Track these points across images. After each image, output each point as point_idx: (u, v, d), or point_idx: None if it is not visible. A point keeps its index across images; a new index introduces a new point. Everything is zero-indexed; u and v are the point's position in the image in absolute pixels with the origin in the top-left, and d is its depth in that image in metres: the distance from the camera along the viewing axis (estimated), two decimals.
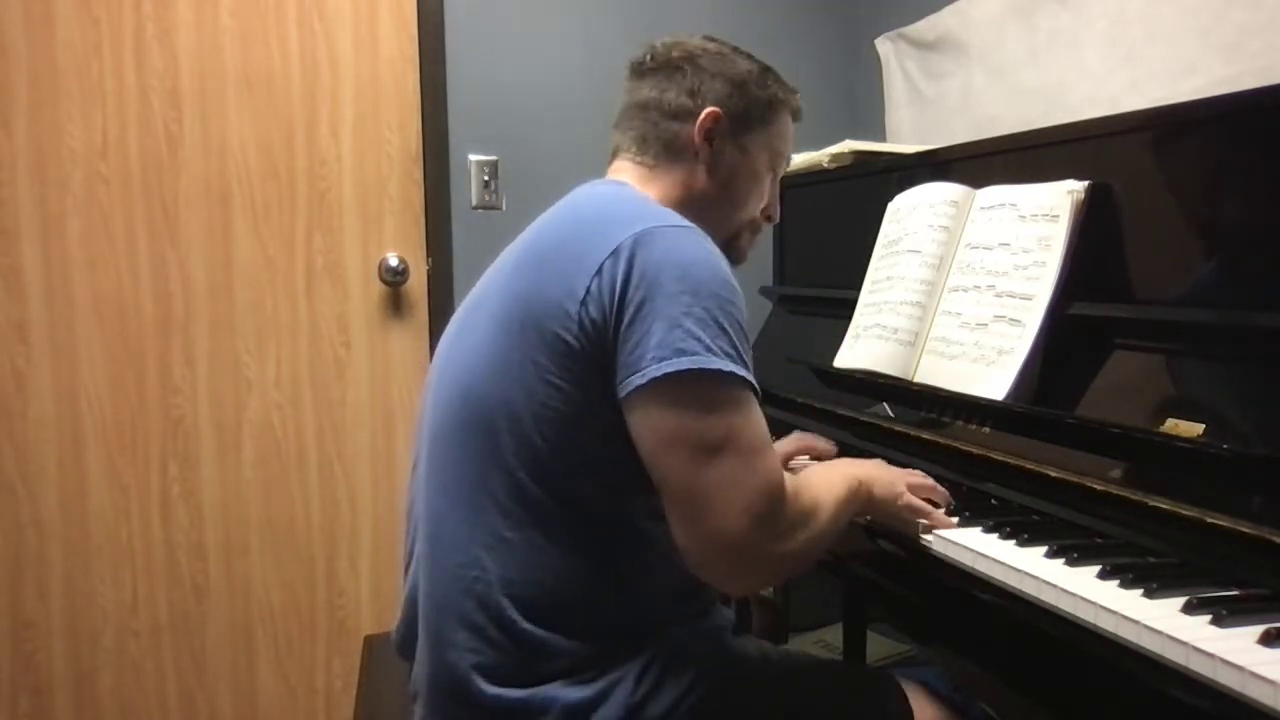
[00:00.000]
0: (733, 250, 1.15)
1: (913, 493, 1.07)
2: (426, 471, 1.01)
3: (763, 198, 1.16)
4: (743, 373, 0.89)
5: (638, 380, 0.87)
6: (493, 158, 2.23)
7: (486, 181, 2.23)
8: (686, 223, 0.95)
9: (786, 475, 0.93)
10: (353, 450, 2.19)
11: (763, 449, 0.90)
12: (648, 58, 1.12)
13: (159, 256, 2.03)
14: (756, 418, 0.91)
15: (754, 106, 1.12)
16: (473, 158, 2.22)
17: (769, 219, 1.19)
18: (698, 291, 0.89)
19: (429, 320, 2.21)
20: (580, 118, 2.24)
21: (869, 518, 1.09)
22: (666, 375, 0.86)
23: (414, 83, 2.17)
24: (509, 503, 0.93)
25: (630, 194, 1.04)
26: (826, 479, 1.01)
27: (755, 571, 0.95)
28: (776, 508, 0.89)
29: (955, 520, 1.07)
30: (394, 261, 2.16)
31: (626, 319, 0.88)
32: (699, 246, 0.93)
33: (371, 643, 1.57)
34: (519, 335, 0.93)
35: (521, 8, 2.24)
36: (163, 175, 2.02)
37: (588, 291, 0.90)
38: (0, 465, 1.96)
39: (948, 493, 1.11)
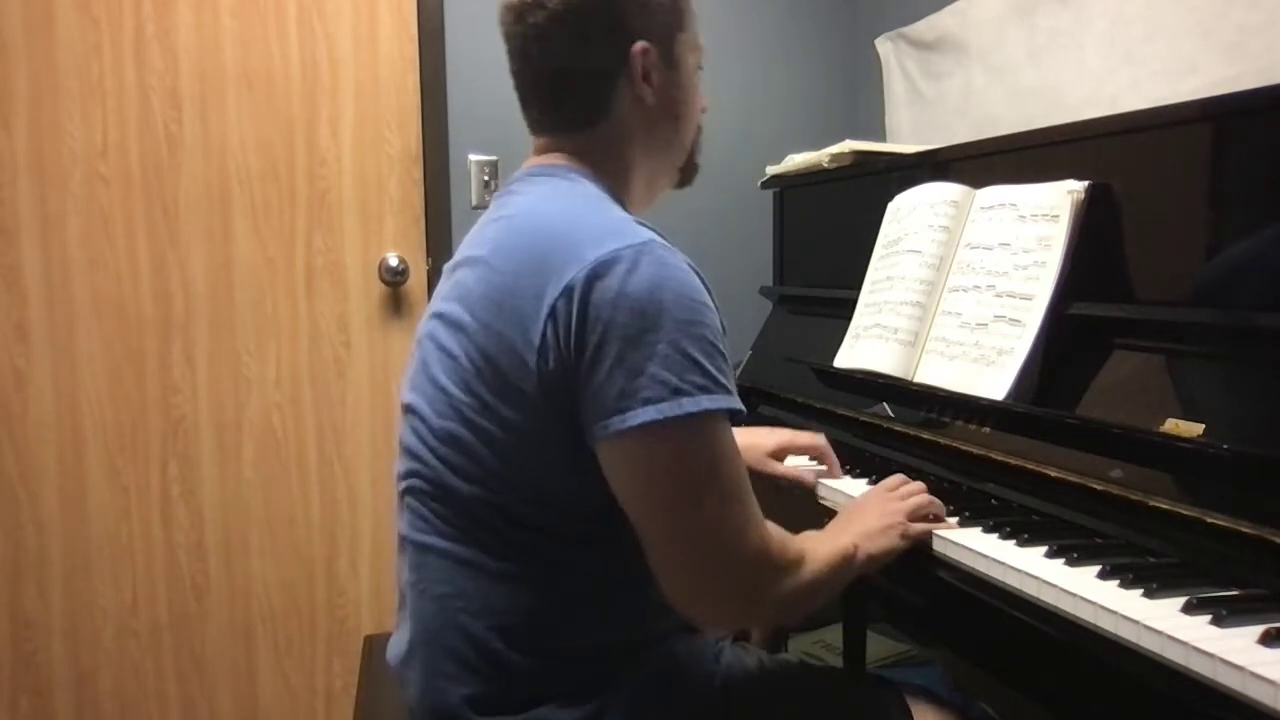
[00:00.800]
0: (691, 167, 1.12)
1: (915, 513, 1.05)
2: (405, 502, 0.99)
3: (699, 97, 1.09)
4: (715, 404, 0.85)
5: (601, 433, 0.84)
6: (493, 158, 2.23)
7: (486, 181, 2.23)
8: (643, 235, 0.88)
9: (773, 526, 0.91)
10: (353, 450, 2.19)
11: (739, 494, 0.87)
12: (533, 3, 0.97)
13: (159, 256, 2.03)
14: (732, 462, 0.87)
15: (665, 15, 1.01)
16: (473, 158, 2.22)
17: (703, 111, 1.11)
18: (659, 326, 0.83)
19: None
20: None
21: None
22: (632, 428, 0.83)
23: (414, 83, 2.17)
24: (487, 535, 0.92)
25: (579, 196, 0.97)
26: (818, 538, 0.99)
27: (736, 617, 0.94)
28: (759, 556, 0.88)
29: (955, 521, 1.07)
30: (394, 261, 2.16)
31: (585, 364, 0.85)
32: (657, 268, 0.85)
33: (371, 643, 1.56)
34: (480, 379, 0.90)
35: None
36: (163, 175, 2.02)
37: (543, 338, 0.85)
38: (0, 465, 1.96)
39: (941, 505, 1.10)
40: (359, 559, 2.21)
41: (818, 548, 0.96)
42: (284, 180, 2.10)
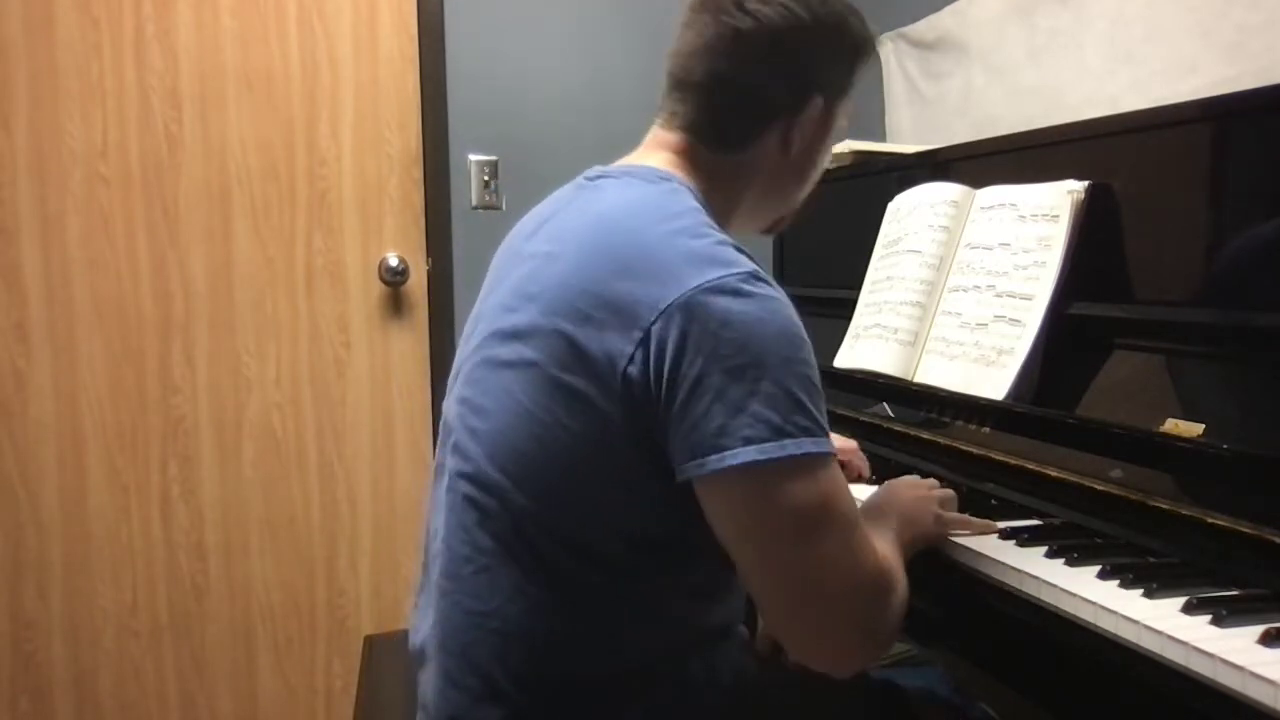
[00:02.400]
0: (784, 221, 1.09)
1: (943, 505, 1.04)
2: (450, 507, 0.94)
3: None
4: (818, 448, 0.80)
5: (696, 470, 0.79)
6: (493, 158, 2.23)
7: (486, 181, 2.23)
8: (746, 265, 0.83)
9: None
10: (353, 450, 2.19)
11: (856, 522, 0.83)
12: (741, 11, 0.91)
13: (159, 256, 2.03)
14: (840, 489, 0.82)
15: (846, 75, 1.00)
16: (473, 158, 2.22)
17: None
18: (763, 362, 0.78)
19: (429, 320, 2.21)
20: (580, 118, 2.25)
21: None
22: (733, 467, 0.78)
23: (414, 83, 2.17)
24: (531, 556, 0.88)
25: (681, 209, 0.89)
26: (885, 536, 0.93)
27: (870, 647, 0.86)
28: (873, 587, 0.84)
29: (996, 525, 1.04)
30: (394, 261, 2.16)
31: (681, 395, 0.79)
32: (762, 301, 0.81)
33: (371, 643, 1.57)
34: (555, 391, 0.84)
35: (522, 8, 2.24)
36: (163, 175, 2.02)
37: (632, 360, 0.80)
38: (0, 465, 1.96)
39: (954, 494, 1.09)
40: (359, 559, 2.21)
41: (895, 551, 0.91)
42: (284, 180, 2.10)
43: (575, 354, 0.83)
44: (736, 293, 0.80)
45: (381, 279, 2.17)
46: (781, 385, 0.78)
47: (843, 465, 1.26)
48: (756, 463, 0.77)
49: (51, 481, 1.99)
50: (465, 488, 0.92)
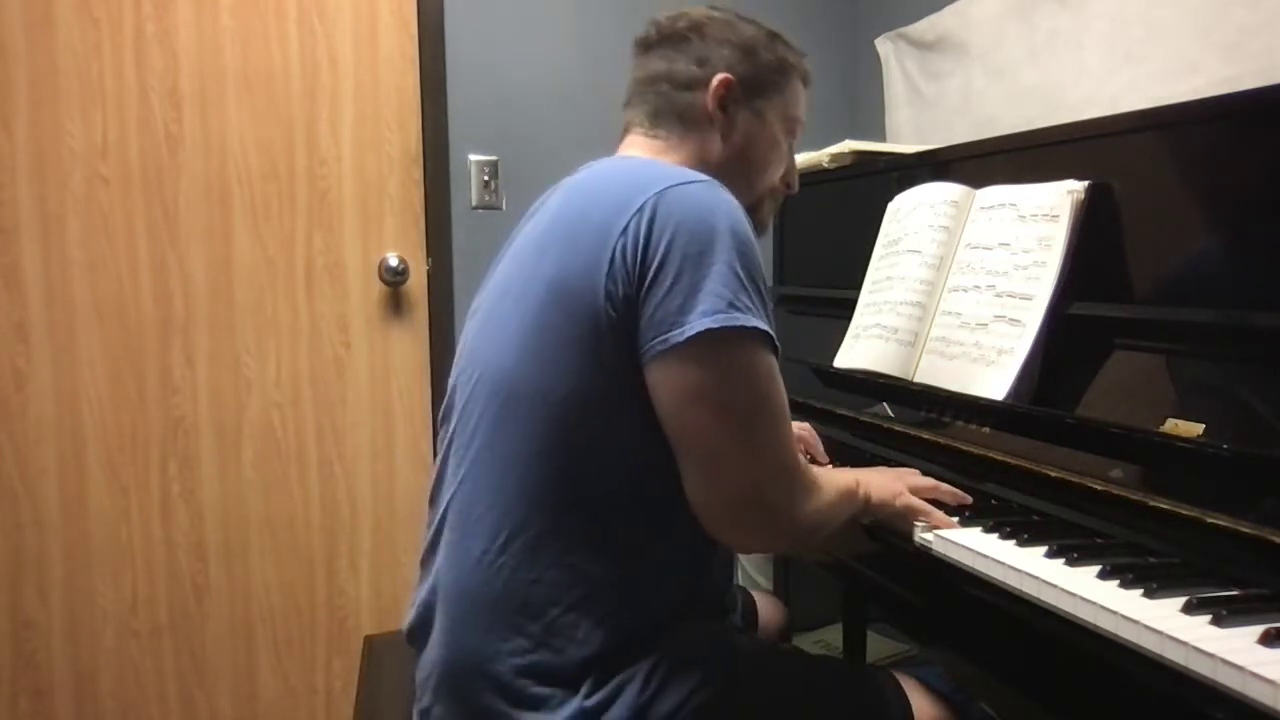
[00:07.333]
0: (754, 220, 1.14)
1: (914, 493, 1.07)
2: (456, 460, 1.01)
3: (782, 164, 1.16)
4: (765, 328, 0.90)
5: (659, 347, 0.87)
6: (493, 158, 2.23)
7: (486, 181, 2.23)
8: (705, 177, 0.96)
9: None
10: (353, 450, 2.19)
11: (781, 416, 0.92)
12: (652, 32, 1.13)
13: (159, 256, 2.03)
14: (778, 384, 0.92)
15: (764, 71, 1.12)
16: (473, 158, 2.22)
17: (789, 187, 1.20)
18: (717, 247, 0.89)
19: (429, 320, 2.21)
20: (580, 117, 2.25)
21: (869, 520, 1.09)
22: (690, 339, 0.86)
23: (414, 83, 2.17)
24: (536, 494, 0.94)
25: (645, 160, 1.05)
26: (827, 470, 1.04)
27: (767, 532, 0.96)
28: (793, 473, 0.92)
29: (955, 520, 1.07)
30: (394, 261, 2.16)
31: (649, 280, 0.89)
32: (717, 198, 0.93)
33: (371, 643, 1.57)
34: (552, 319, 0.93)
35: (522, 7, 2.24)
36: (163, 175, 2.02)
37: (612, 260, 0.90)
38: (0, 465, 1.96)
39: (955, 490, 1.11)
40: (359, 559, 2.21)
41: (828, 476, 1.01)
42: (284, 180, 2.10)
43: (566, 274, 0.92)
44: (696, 190, 0.93)
45: (381, 279, 2.17)
46: (733, 268, 0.89)
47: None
48: (711, 331, 0.86)
49: (51, 481, 1.99)
50: (470, 438, 0.99)
